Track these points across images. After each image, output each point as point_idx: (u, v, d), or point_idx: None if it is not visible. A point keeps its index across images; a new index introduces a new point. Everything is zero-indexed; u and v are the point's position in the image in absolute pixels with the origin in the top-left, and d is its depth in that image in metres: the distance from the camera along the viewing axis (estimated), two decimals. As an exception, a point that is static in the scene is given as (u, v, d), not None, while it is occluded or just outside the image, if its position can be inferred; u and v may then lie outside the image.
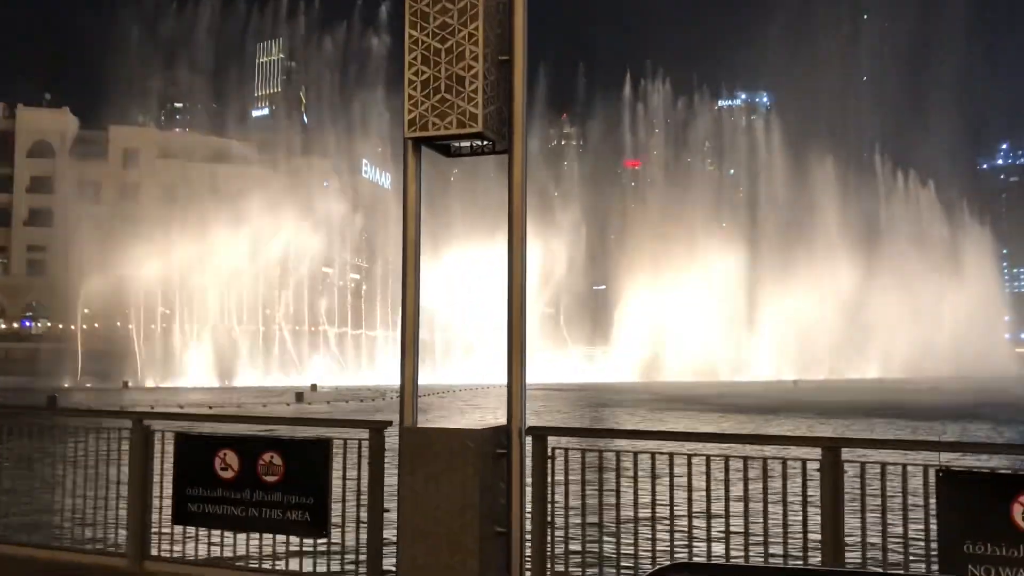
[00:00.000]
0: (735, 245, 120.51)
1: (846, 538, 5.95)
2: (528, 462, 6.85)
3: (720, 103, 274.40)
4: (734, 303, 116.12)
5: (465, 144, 7.34)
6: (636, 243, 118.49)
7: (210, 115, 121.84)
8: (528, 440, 6.90)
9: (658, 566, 2.29)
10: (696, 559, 6.47)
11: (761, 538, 6.22)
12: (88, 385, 70.45)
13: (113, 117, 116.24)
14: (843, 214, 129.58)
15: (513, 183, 6.99)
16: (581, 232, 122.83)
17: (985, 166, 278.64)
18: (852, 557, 6.04)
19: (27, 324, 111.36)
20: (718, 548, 6.57)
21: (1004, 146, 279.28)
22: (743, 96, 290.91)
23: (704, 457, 6.43)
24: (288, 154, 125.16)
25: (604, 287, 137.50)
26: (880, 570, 6.17)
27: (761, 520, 6.29)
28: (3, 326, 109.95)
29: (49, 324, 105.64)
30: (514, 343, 6.87)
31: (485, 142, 7.14)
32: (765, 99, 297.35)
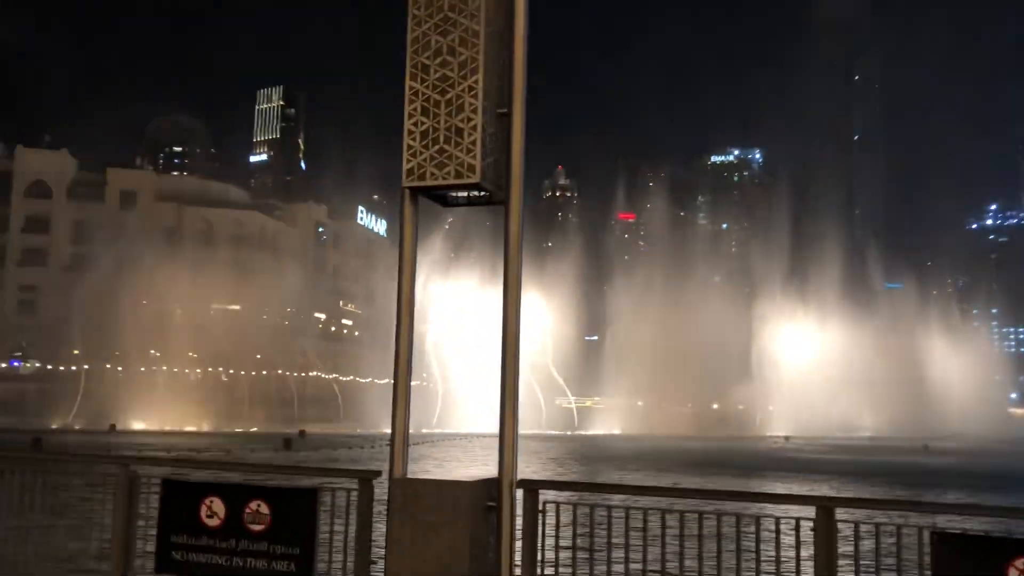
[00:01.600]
0: (731, 300, 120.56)
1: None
2: (519, 515, 6.77)
3: (713, 158, 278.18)
4: (729, 358, 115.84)
5: (463, 194, 7.39)
6: (630, 295, 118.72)
7: (208, 159, 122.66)
8: (520, 493, 6.82)
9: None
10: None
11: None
12: (76, 427, 69.76)
13: (112, 160, 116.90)
14: (834, 272, 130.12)
15: (510, 234, 7.03)
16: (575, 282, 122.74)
17: (975, 226, 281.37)
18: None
19: (15, 364, 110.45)
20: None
21: (993, 207, 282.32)
22: (736, 152, 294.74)
23: (697, 514, 6.37)
24: (284, 199, 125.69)
25: (596, 338, 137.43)
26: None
27: (754, 580, 6.21)
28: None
29: (38, 364, 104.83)
30: (507, 394, 6.84)
31: (482, 192, 7.19)
32: (758, 155, 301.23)
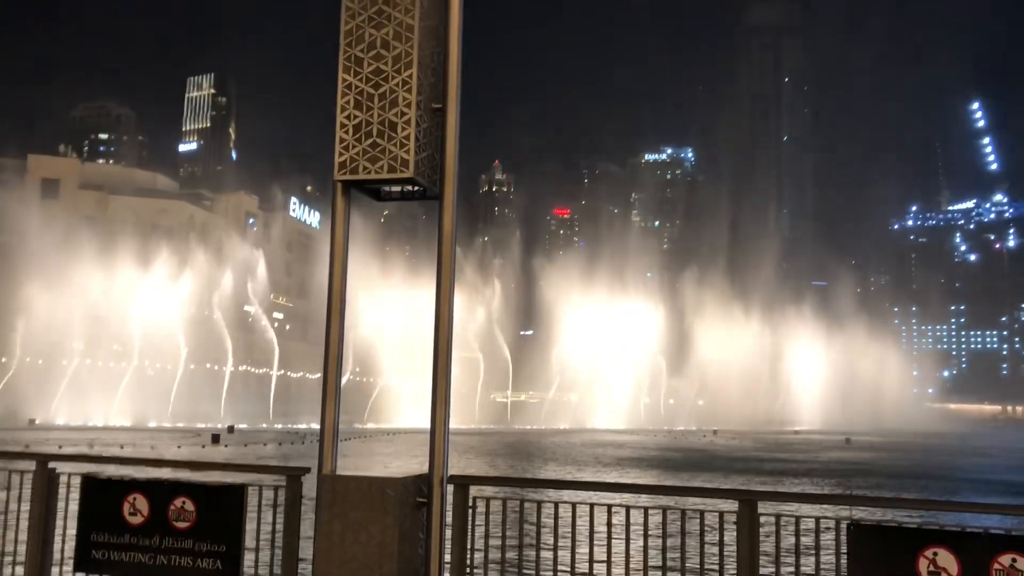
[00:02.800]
0: (659, 296, 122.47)
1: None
2: (449, 511, 6.77)
3: (647, 157, 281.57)
4: (657, 355, 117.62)
5: (396, 188, 7.33)
6: (565, 291, 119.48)
7: (136, 148, 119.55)
8: (450, 489, 6.82)
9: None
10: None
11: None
12: (-10, 422, 67.29)
13: (34, 147, 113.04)
14: (763, 270, 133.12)
15: (443, 229, 7.01)
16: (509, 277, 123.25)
17: (897, 226, 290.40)
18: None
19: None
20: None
21: (914, 208, 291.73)
22: (668, 151, 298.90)
23: (624, 508, 6.45)
24: (214, 189, 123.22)
25: (531, 332, 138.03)
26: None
27: (679, 572, 6.33)
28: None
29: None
30: (438, 391, 6.83)
31: (416, 187, 7.15)
32: (690, 154, 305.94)
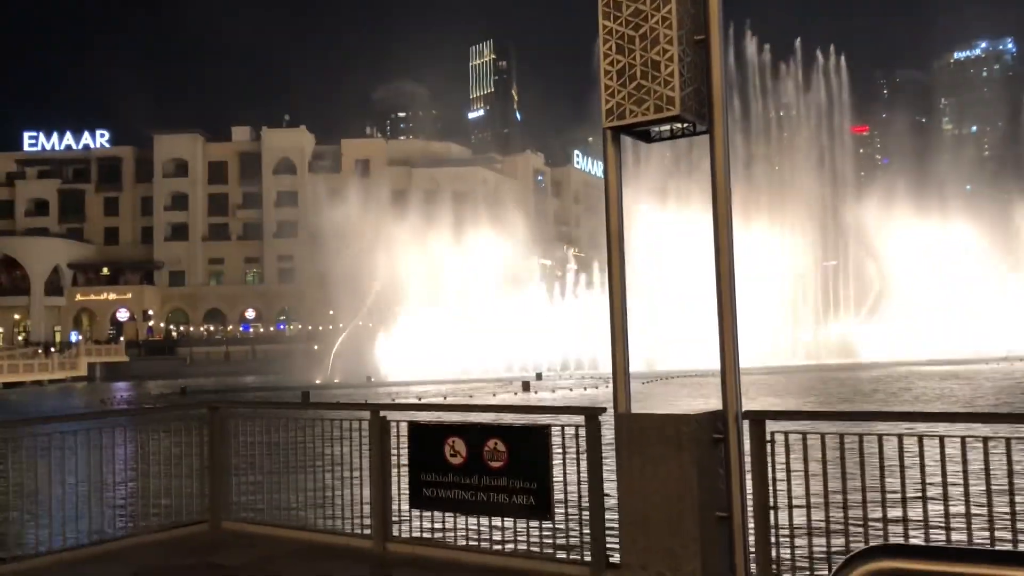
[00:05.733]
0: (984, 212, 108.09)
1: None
2: (747, 448, 6.75)
3: (956, 55, 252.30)
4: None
5: (665, 128, 7.30)
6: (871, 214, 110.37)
7: (431, 120, 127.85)
8: (746, 425, 6.79)
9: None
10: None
11: (1006, 522, 5.78)
12: (336, 380, 76.18)
13: (344, 131, 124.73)
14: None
15: (716, 163, 6.89)
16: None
17: None
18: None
19: (281, 327, 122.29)
20: (954, 535, 6.15)
21: None
22: (984, 44, 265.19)
23: (937, 438, 6.04)
24: (503, 152, 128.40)
25: (835, 263, 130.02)
26: None
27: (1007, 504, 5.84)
28: (261, 330, 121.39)
29: (299, 327, 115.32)
30: (725, 327, 6.77)
31: (685, 124, 7.07)
32: (1010, 45, 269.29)
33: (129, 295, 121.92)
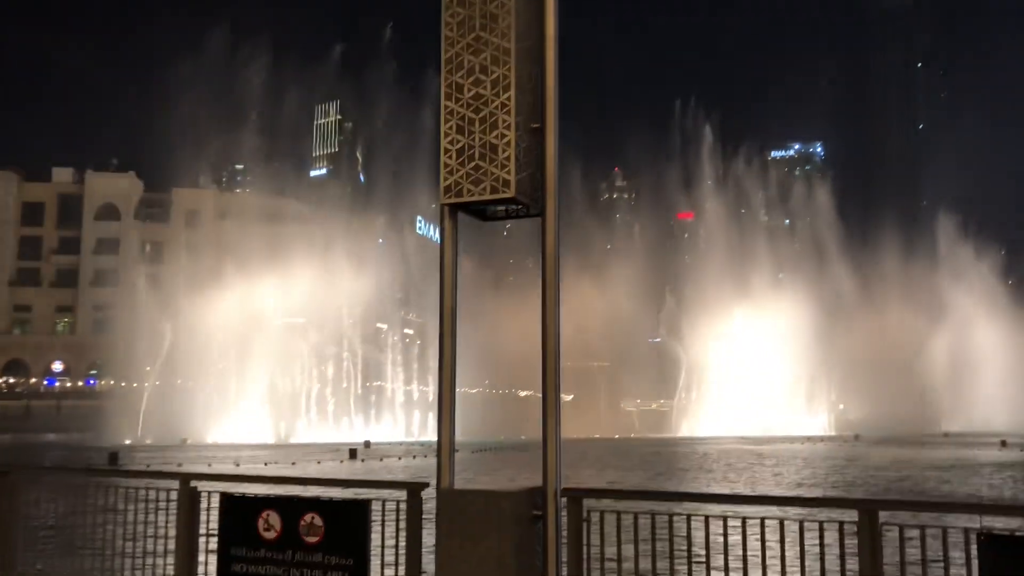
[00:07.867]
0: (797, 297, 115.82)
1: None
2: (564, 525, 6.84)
3: (773, 154, 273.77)
4: (798, 359, 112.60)
5: (501, 208, 7.50)
6: (693, 295, 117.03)
7: (269, 176, 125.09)
8: (564, 502, 6.89)
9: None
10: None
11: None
12: (148, 441, 71.71)
13: (176, 180, 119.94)
14: (903, 272, 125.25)
15: (546, 247, 7.11)
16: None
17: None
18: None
19: (91, 383, 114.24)
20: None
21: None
22: (796, 146, 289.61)
23: (740, 519, 6.36)
24: (344, 213, 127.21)
25: (659, 340, 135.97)
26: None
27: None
28: (68, 384, 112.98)
29: (112, 382, 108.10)
30: (548, 403, 6.92)
31: (519, 206, 7.29)
32: (819, 149, 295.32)
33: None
